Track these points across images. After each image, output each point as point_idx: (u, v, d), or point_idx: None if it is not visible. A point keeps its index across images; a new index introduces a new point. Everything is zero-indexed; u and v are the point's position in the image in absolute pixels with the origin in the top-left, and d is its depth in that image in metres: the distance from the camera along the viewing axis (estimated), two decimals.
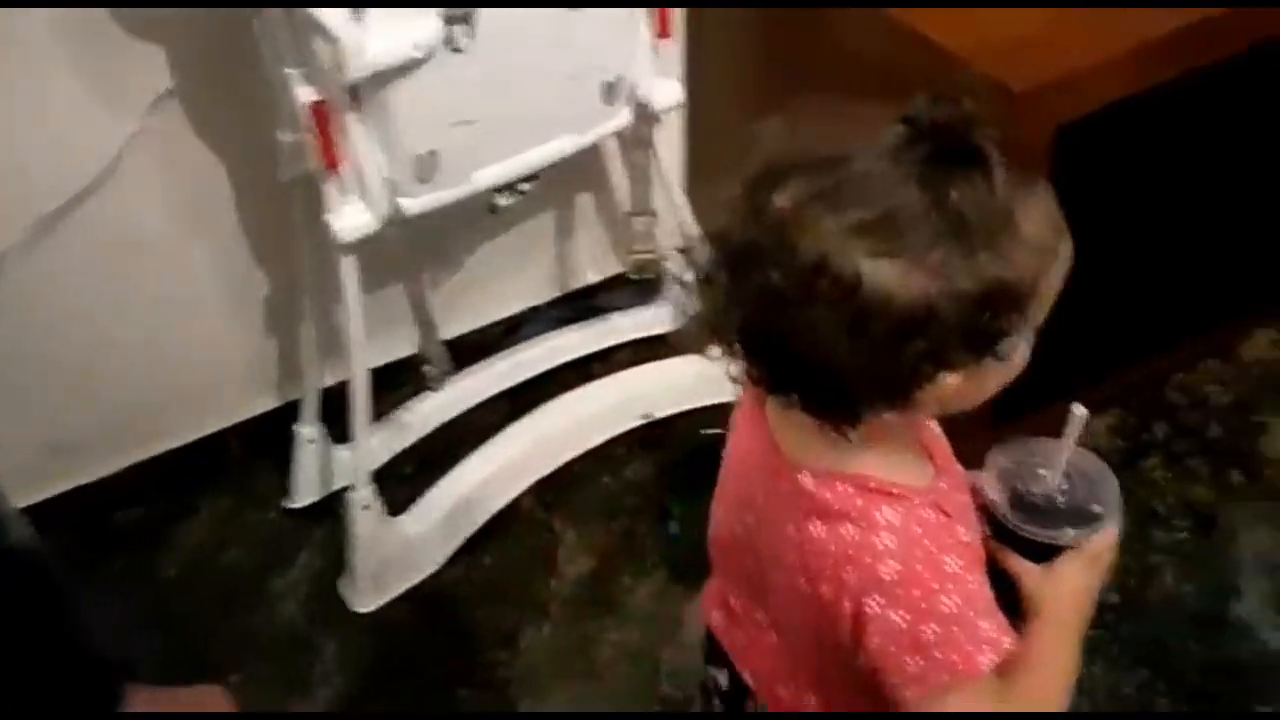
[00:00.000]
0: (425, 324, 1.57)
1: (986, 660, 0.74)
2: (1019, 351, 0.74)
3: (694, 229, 1.77)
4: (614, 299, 1.99)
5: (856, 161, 0.68)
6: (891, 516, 0.75)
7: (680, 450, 1.78)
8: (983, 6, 1.33)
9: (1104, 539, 0.84)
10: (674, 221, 1.75)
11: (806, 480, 0.77)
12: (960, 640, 0.74)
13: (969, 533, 0.80)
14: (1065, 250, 0.73)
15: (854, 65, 1.40)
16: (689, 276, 0.76)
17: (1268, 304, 1.86)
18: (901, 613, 0.74)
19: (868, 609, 0.74)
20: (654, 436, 1.80)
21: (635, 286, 1.97)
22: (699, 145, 1.88)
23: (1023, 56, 1.29)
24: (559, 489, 1.73)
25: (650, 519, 1.71)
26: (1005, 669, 0.76)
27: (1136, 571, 1.60)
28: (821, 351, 0.69)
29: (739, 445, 0.87)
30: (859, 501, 0.75)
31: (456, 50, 1.27)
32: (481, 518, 1.67)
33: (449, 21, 1.25)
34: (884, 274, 0.66)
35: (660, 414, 1.82)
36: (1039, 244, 0.70)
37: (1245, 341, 1.88)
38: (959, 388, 0.72)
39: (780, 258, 0.68)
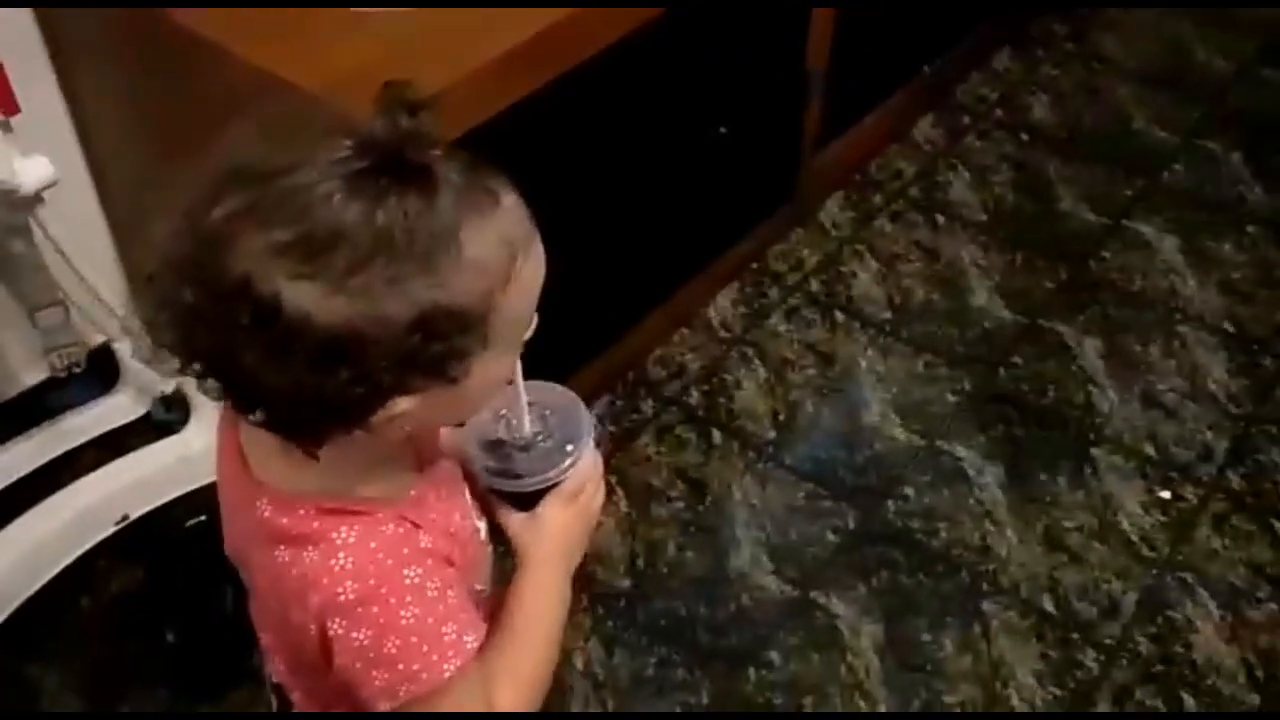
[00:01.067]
0: None
1: (449, 666, 0.74)
2: (484, 371, 0.70)
3: (121, 306, 1.62)
4: (68, 396, 1.79)
5: (296, 175, 0.64)
6: (349, 536, 0.73)
7: (167, 547, 1.63)
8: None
9: (578, 473, 0.84)
10: (96, 302, 1.59)
11: (265, 507, 0.75)
12: (421, 650, 0.74)
13: (439, 537, 0.78)
14: (528, 269, 0.70)
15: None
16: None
17: (716, 264, 1.99)
18: (363, 631, 0.73)
19: (331, 631, 0.73)
20: (135, 539, 1.63)
21: (92, 377, 1.79)
22: (119, 213, 1.72)
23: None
24: (29, 628, 1.52)
25: (144, 632, 1.55)
26: (492, 637, 0.79)
27: (643, 551, 1.65)
28: (250, 376, 0.65)
29: (220, 468, 0.82)
30: (316, 524, 0.74)
31: None
32: None
33: None
34: (303, 297, 0.63)
35: (138, 512, 1.65)
36: (486, 266, 0.67)
37: (709, 306, 2.00)
38: (419, 411, 0.69)
39: (206, 275, 0.64)
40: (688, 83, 1.64)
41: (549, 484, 0.84)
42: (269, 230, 0.63)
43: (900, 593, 1.62)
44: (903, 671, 1.53)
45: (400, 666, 0.73)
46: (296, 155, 0.65)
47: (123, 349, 1.77)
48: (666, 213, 1.76)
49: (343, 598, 0.72)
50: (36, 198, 1.42)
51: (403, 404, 0.68)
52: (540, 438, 0.84)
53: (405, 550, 0.74)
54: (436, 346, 0.66)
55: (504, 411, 0.84)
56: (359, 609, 0.72)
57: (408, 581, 0.73)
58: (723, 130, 1.73)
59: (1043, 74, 2.48)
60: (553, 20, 1.34)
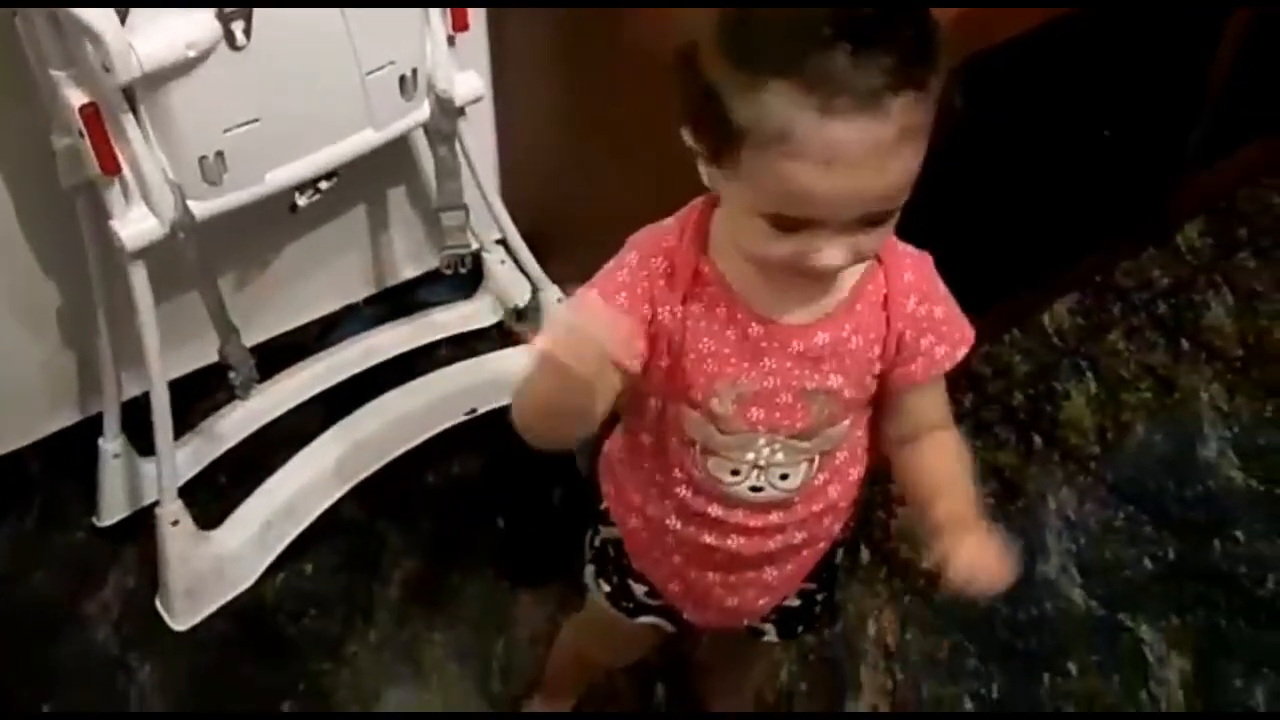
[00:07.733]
0: (226, 329, 1.51)
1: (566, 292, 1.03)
2: (731, 188, 0.85)
3: (507, 222, 1.77)
4: (434, 293, 1.96)
5: None
6: (666, 221, 0.97)
7: (507, 443, 1.77)
8: None
9: None
10: (487, 214, 1.74)
11: None
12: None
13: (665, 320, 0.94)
14: (788, 167, 0.80)
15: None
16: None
17: (1062, 271, 1.95)
18: None
19: None
20: (479, 431, 1.78)
21: (456, 280, 1.95)
22: (511, 137, 1.87)
23: None
24: (381, 491, 1.69)
25: (478, 515, 1.70)
26: None
27: None
28: None
29: None
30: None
31: (236, 48, 1.22)
32: (299, 525, 1.63)
33: (225, 19, 1.20)
34: None
35: (485, 408, 1.80)
36: (766, 116, 0.80)
37: (1045, 312, 1.97)
38: (710, 178, 0.89)
39: None
40: (1088, 80, 1.62)
41: None
42: None
43: (1216, 633, 1.56)
44: (1208, 711, 1.49)
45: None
46: None
47: (491, 258, 1.93)
48: (1030, 210, 1.75)
49: None
50: (460, 110, 1.57)
51: (704, 169, 0.84)
52: None
53: (637, 260, 0.92)
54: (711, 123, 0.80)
55: None
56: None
57: (621, 268, 0.93)
58: (1107, 133, 1.69)
59: None
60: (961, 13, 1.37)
